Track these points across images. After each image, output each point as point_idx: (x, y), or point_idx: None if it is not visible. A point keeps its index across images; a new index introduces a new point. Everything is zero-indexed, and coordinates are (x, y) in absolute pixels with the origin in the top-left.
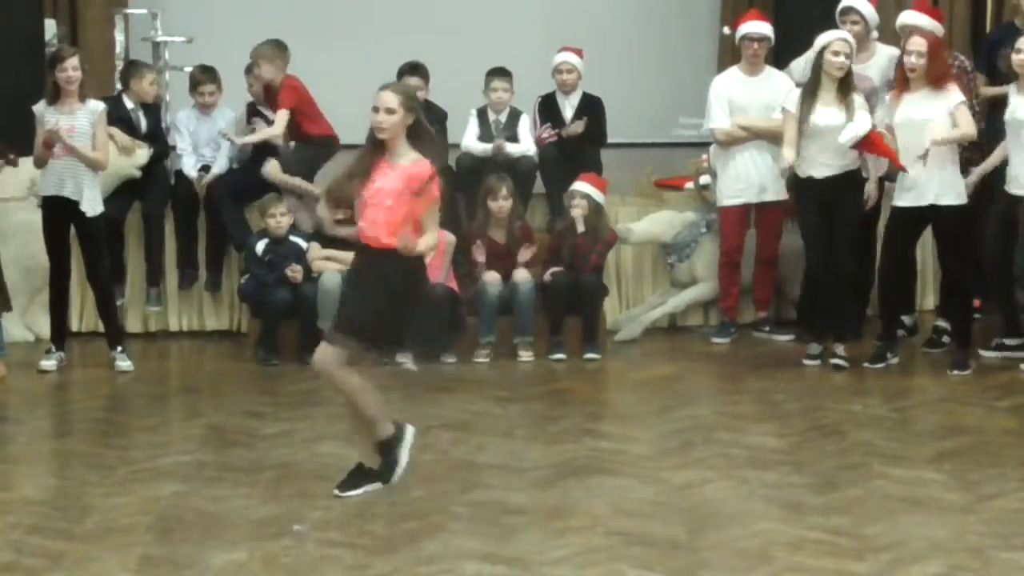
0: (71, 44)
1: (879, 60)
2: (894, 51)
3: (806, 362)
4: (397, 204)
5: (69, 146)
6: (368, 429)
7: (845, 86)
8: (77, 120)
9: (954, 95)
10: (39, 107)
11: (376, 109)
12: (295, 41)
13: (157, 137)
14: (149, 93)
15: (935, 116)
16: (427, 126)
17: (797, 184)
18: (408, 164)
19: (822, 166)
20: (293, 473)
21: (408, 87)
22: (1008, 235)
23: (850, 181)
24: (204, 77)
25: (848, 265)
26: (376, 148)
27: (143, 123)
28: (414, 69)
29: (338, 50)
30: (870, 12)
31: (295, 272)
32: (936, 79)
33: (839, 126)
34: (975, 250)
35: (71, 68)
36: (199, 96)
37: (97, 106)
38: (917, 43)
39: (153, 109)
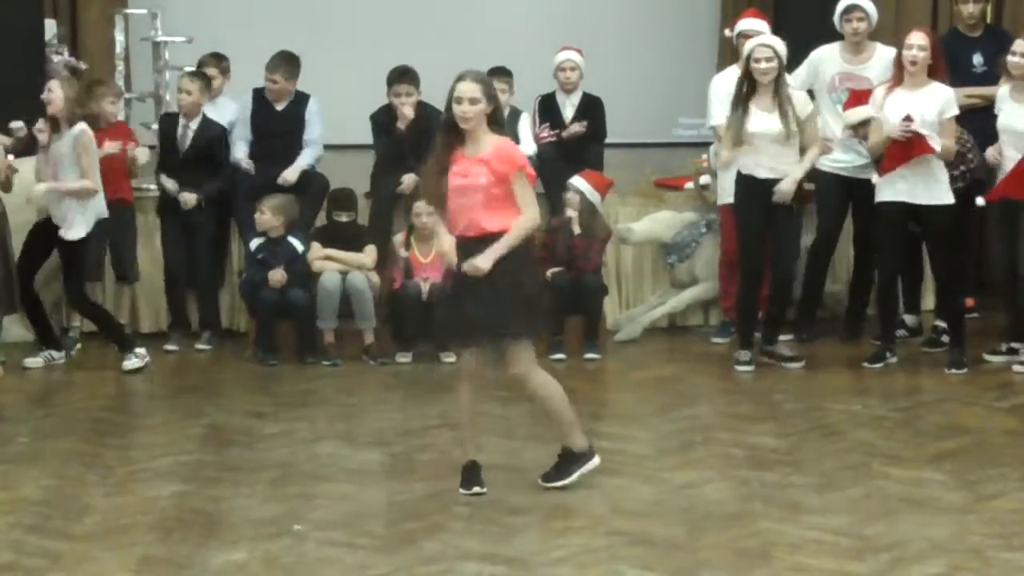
0: (71, 44)
1: (878, 62)
2: (894, 53)
3: (739, 368)
4: (491, 190)
5: (49, 188)
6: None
7: (778, 91)
8: (63, 146)
9: (950, 106)
10: (42, 121)
11: (459, 100)
12: (294, 41)
13: (207, 157)
14: (180, 103)
15: (926, 114)
16: (502, 112)
17: (738, 182)
18: (493, 148)
19: (763, 168)
20: (293, 473)
21: (484, 75)
22: (1012, 238)
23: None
24: (209, 60)
25: (791, 271)
26: (452, 140)
27: (188, 138)
28: (403, 75)
29: (337, 50)
30: (873, 9)
31: (275, 276)
32: (937, 72)
33: (775, 131)
34: (965, 249)
35: (47, 90)
36: None
37: (77, 129)
38: (919, 38)
39: (211, 125)
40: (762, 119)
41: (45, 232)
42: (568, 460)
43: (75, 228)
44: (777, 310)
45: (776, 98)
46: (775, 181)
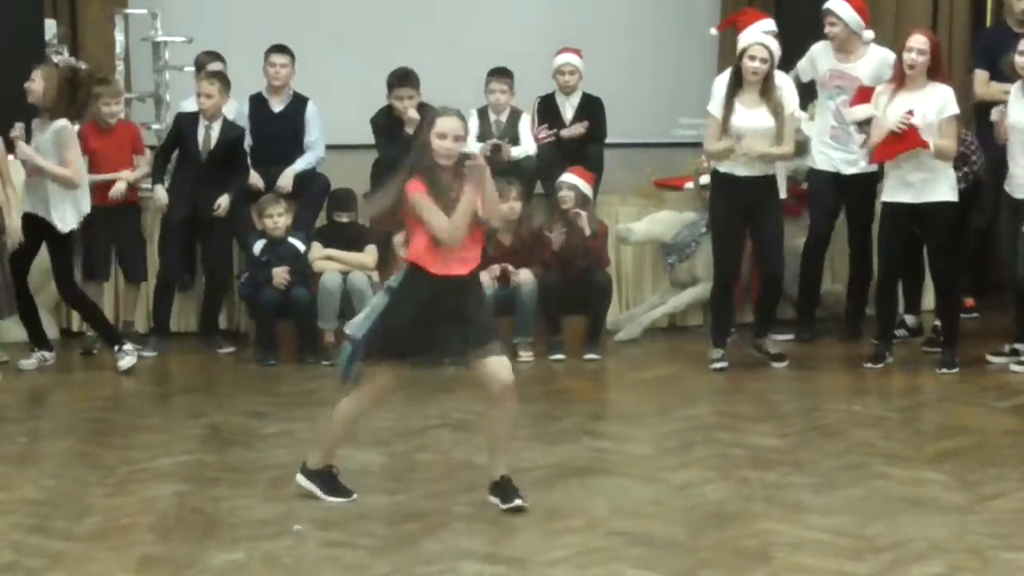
0: (71, 44)
1: (869, 61)
2: (887, 54)
3: (713, 366)
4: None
5: (31, 163)
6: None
7: (767, 88)
8: (44, 135)
9: (950, 104)
10: (36, 122)
11: (443, 136)
12: (295, 41)
13: (231, 158)
14: (200, 105)
15: (927, 114)
16: None
17: (716, 179)
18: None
19: (745, 166)
20: (293, 473)
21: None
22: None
23: (771, 185)
24: (207, 59)
25: (780, 267)
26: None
27: (212, 140)
28: (404, 78)
29: (337, 50)
30: (847, 14)
31: (280, 275)
32: (936, 74)
33: (765, 127)
34: (965, 249)
35: (30, 79)
36: None
37: (58, 124)
38: (919, 40)
39: (232, 127)
40: (748, 115)
41: (32, 228)
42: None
43: (64, 220)
44: (768, 307)
45: (764, 95)
46: (755, 178)
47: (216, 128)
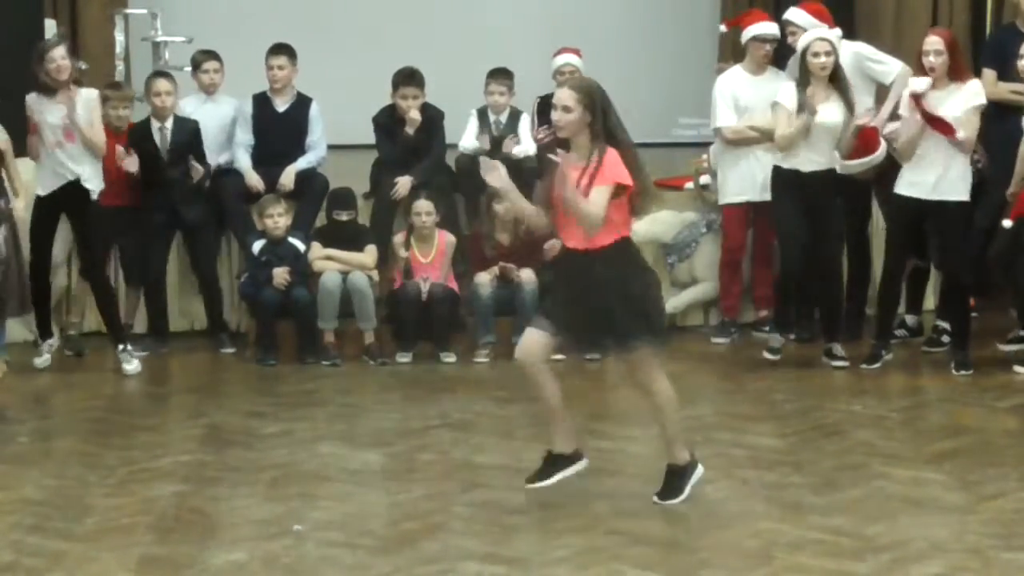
0: (71, 44)
1: (844, 59)
2: (860, 46)
3: (767, 355)
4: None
5: (73, 126)
6: (559, 416)
7: (835, 80)
8: (78, 109)
9: (974, 96)
10: (31, 97)
11: (554, 107)
12: (295, 41)
13: (176, 156)
14: (156, 106)
15: (956, 112)
16: (611, 124)
17: (779, 176)
18: (593, 160)
19: (809, 161)
20: (293, 473)
21: (588, 83)
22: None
23: (833, 178)
24: (204, 57)
25: (838, 258)
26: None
27: (167, 140)
28: (409, 77)
29: (337, 50)
30: (805, 20)
31: (280, 276)
32: (957, 73)
33: (835, 123)
34: (971, 247)
35: (59, 58)
36: (203, 74)
37: (91, 93)
38: (934, 42)
39: (183, 123)
40: (821, 111)
41: (50, 207)
42: (675, 475)
43: (92, 182)
44: (834, 305)
45: (833, 87)
46: (818, 174)
47: (169, 126)
